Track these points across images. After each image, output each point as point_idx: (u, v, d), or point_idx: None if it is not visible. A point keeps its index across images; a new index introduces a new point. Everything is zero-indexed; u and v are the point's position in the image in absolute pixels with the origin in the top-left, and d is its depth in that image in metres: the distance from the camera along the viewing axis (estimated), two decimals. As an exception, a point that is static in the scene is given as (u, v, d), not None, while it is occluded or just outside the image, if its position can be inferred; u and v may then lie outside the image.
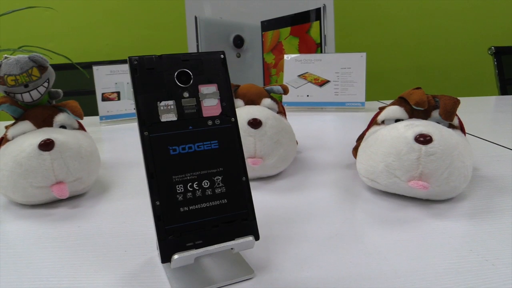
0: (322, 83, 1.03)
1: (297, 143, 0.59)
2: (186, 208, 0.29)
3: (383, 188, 0.46)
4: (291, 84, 1.04)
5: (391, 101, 0.53)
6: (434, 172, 0.41)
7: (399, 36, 1.87)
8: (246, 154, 0.49)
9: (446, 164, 0.41)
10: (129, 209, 0.46)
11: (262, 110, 0.52)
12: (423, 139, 0.41)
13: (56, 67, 0.56)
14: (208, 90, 0.31)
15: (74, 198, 0.49)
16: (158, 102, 0.30)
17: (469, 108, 1.00)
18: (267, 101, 0.57)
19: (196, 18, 1.38)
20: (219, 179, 0.30)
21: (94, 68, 0.94)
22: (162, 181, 0.29)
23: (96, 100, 0.94)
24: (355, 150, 0.55)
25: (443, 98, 0.47)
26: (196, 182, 0.30)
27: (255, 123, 0.49)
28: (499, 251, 0.35)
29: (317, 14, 1.37)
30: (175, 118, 0.30)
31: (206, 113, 0.31)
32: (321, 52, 1.38)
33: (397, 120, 0.49)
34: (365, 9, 1.83)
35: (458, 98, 0.47)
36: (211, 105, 0.31)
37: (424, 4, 1.85)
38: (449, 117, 0.47)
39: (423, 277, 0.31)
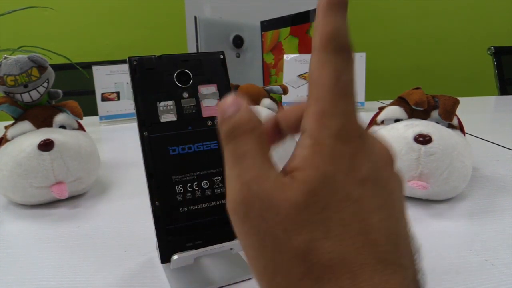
0: (322, 83, 1.03)
1: (296, 143, 0.59)
2: (186, 209, 0.29)
3: (382, 188, 0.46)
4: (291, 84, 1.04)
5: (390, 101, 0.53)
6: (434, 172, 0.41)
7: (399, 36, 1.87)
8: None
9: (446, 164, 0.41)
10: (128, 209, 0.46)
11: (262, 110, 0.52)
12: (423, 139, 0.41)
13: (55, 67, 0.55)
14: (208, 90, 0.31)
15: (74, 198, 0.49)
16: (158, 103, 0.30)
17: (468, 108, 1.00)
18: (266, 101, 0.57)
19: (195, 18, 1.38)
20: (218, 179, 0.30)
21: (94, 68, 0.94)
22: (162, 182, 0.29)
23: (96, 100, 0.94)
24: (354, 150, 0.55)
25: (443, 98, 0.47)
26: (196, 183, 0.30)
27: (254, 123, 0.49)
28: (499, 251, 0.35)
29: (317, 14, 1.37)
30: (174, 119, 0.30)
31: (205, 113, 0.31)
32: (320, 52, 1.38)
33: (396, 120, 0.49)
34: (365, 9, 1.83)
35: (458, 98, 0.47)
36: (210, 105, 0.31)
37: (424, 4, 1.85)
38: (448, 117, 0.47)
39: (422, 277, 0.31)
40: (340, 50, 0.19)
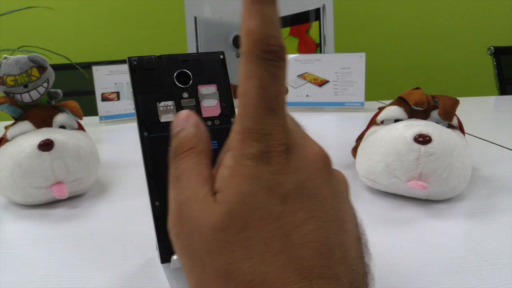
0: (322, 83, 1.03)
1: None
2: (186, 209, 0.29)
3: (382, 188, 0.46)
4: (291, 84, 1.04)
5: (390, 101, 0.53)
6: (434, 172, 0.41)
7: (398, 36, 1.87)
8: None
9: (445, 164, 0.41)
10: (128, 209, 0.46)
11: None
12: (423, 139, 0.41)
13: (55, 67, 0.55)
14: (208, 90, 0.31)
15: (73, 198, 0.49)
16: (158, 103, 0.30)
17: (468, 108, 1.00)
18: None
19: (195, 18, 1.37)
20: (218, 179, 0.30)
21: (94, 68, 0.94)
22: (162, 182, 0.29)
23: (96, 100, 0.94)
24: (354, 150, 0.55)
25: (443, 98, 0.48)
26: (196, 183, 0.30)
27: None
28: (499, 251, 0.35)
29: (317, 14, 1.37)
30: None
31: (205, 113, 0.31)
32: (320, 52, 1.38)
33: (396, 120, 0.49)
34: (364, 9, 1.83)
35: (458, 98, 0.47)
36: (210, 105, 0.31)
37: (424, 4, 1.85)
38: (448, 117, 0.47)
39: (422, 277, 0.31)
40: (268, 57, 0.18)
